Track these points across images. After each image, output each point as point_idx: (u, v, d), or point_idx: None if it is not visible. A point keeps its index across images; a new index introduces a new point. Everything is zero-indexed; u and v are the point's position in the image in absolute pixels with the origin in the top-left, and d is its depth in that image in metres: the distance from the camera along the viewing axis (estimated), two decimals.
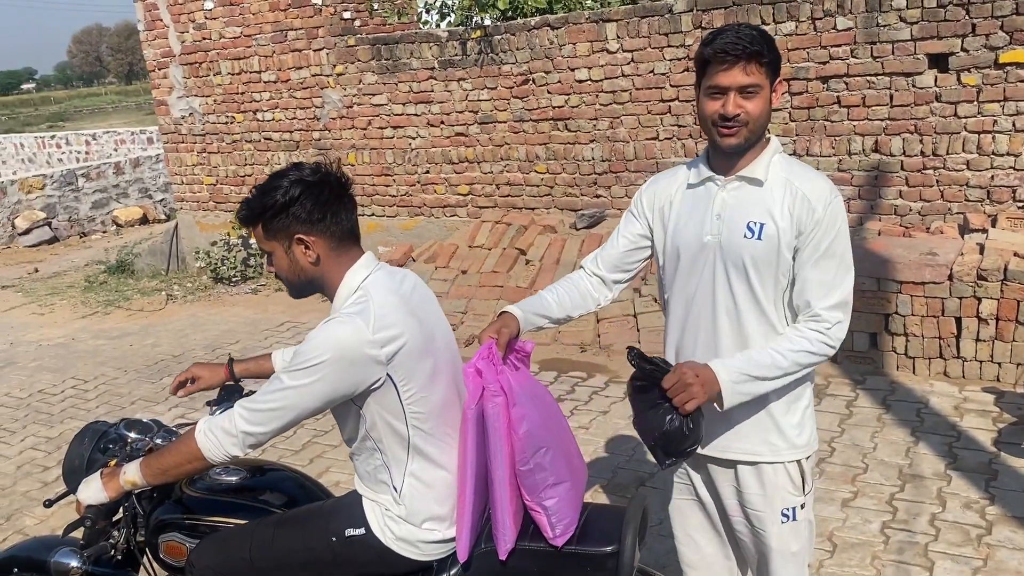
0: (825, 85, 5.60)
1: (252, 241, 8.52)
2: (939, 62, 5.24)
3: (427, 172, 7.37)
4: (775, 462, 2.06)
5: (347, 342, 1.83)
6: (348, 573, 2.05)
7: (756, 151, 1.98)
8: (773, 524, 2.07)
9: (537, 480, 1.98)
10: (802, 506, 2.09)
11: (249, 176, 8.40)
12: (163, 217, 13.50)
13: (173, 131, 8.81)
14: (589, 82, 6.39)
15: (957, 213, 5.39)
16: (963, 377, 4.66)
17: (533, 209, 6.93)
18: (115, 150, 17.77)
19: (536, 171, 6.82)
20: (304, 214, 1.91)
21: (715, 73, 1.91)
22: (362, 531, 2.00)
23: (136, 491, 2.12)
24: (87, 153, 18.19)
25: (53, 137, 19.32)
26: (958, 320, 4.63)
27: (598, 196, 6.61)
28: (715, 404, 1.95)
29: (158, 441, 2.30)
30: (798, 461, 2.07)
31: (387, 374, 1.88)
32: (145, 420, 2.37)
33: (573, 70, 6.43)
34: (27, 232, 12.01)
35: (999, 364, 4.57)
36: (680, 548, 2.32)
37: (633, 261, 2.24)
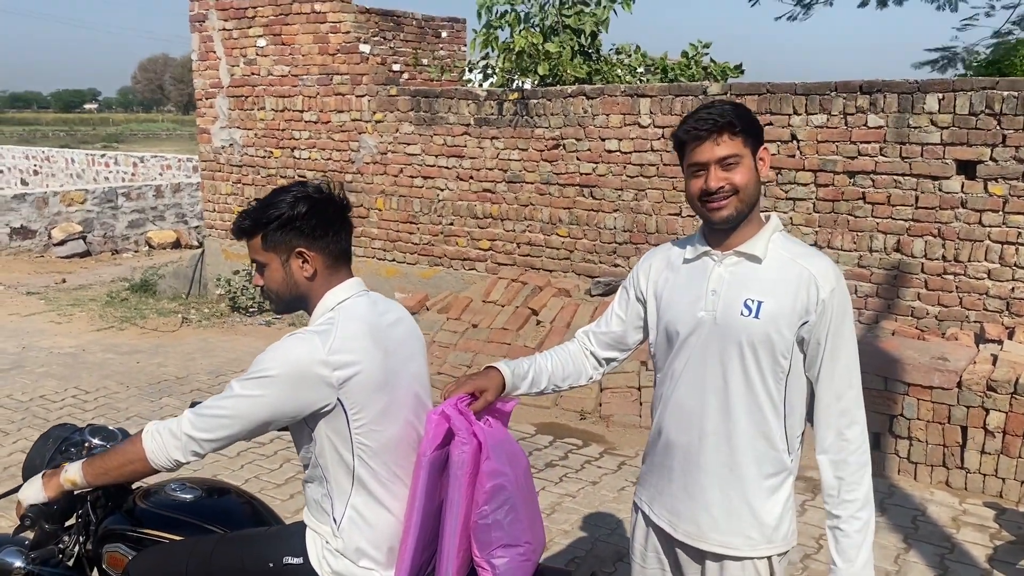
0: (852, 180, 5.60)
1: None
2: (967, 168, 5.23)
3: (451, 224, 7.44)
4: (744, 557, 1.96)
5: (299, 359, 1.84)
6: None
7: (754, 227, 1.94)
8: None
9: (492, 537, 1.93)
10: None
11: None
12: (196, 243, 13.71)
13: (212, 159, 9.01)
14: (618, 153, 6.46)
15: (975, 321, 5.30)
16: (965, 489, 4.52)
17: (551, 271, 6.94)
18: (160, 174, 18.18)
19: (558, 234, 6.85)
20: (308, 229, 1.95)
21: (692, 151, 1.91)
22: (300, 560, 1.97)
23: (77, 491, 2.10)
24: (133, 174, 18.64)
25: (103, 156, 19.85)
26: (964, 430, 4.51)
27: (616, 265, 6.61)
28: None
29: None
30: (768, 558, 1.98)
31: (338, 399, 1.87)
32: (111, 428, 2.37)
33: (604, 140, 6.51)
34: (62, 243, 12.25)
35: (1003, 479, 4.43)
36: None
37: (628, 342, 2.21)
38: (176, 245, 13.61)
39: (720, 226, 1.94)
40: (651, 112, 6.28)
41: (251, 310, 8.38)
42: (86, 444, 2.27)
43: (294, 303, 2.04)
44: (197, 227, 14.21)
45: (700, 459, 1.97)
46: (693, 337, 1.97)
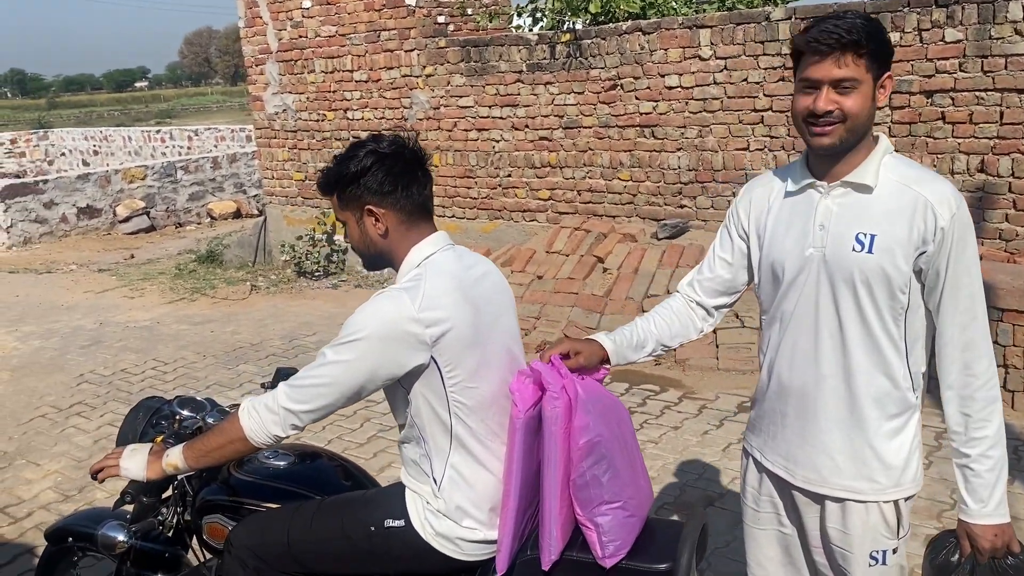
0: (929, 100, 5.31)
1: (336, 237, 8.64)
2: None
3: (509, 176, 7.33)
4: (870, 501, 1.85)
5: (389, 318, 1.78)
6: (384, 566, 1.98)
7: (862, 152, 1.79)
8: (859, 566, 1.88)
9: (591, 495, 1.87)
10: (894, 550, 1.89)
11: None
12: (255, 212, 13.86)
13: (266, 126, 9.02)
14: (679, 89, 6.24)
15: None
16: None
17: (614, 217, 6.80)
18: (215, 146, 18.37)
19: (619, 178, 6.69)
20: (375, 185, 1.88)
21: (807, 65, 1.75)
22: (401, 523, 1.94)
23: (179, 475, 2.10)
24: (189, 148, 18.87)
25: (159, 131, 20.13)
26: None
27: (682, 206, 6.44)
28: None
29: (209, 420, 2.29)
30: (895, 502, 1.86)
31: (432, 357, 1.82)
32: (199, 399, 2.37)
33: (663, 76, 6.29)
34: (127, 220, 12.50)
35: None
36: None
37: (736, 284, 2.08)
38: (237, 215, 13.77)
39: (820, 153, 1.80)
40: (712, 43, 6.03)
41: (317, 274, 8.43)
42: (176, 417, 2.27)
43: (377, 260, 1.99)
44: (256, 196, 14.34)
45: (817, 403, 1.86)
46: (802, 276, 1.85)
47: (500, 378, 1.94)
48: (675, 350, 2.14)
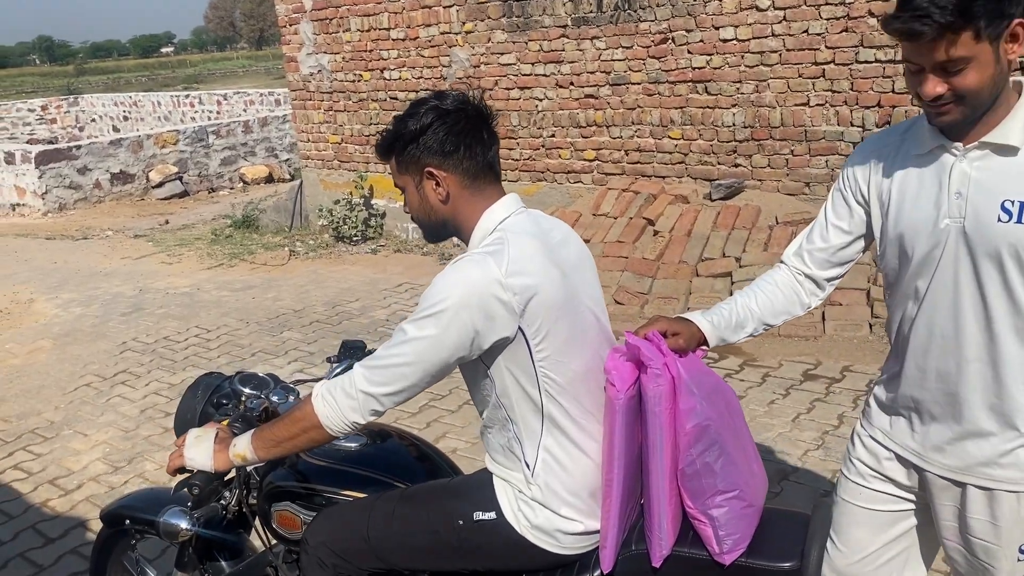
0: None
1: (374, 201, 8.47)
2: None
3: (552, 136, 7.09)
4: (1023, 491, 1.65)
5: (477, 284, 1.60)
6: (475, 561, 1.82)
7: (1001, 109, 1.55)
8: (1007, 560, 1.67)
9: (704, 484, 1.69)
10: None
11: (374, 135, 8.32)
12: (287, 176, 13.73)
13: (301, 88, 8.83)
14: (735, 41, 5.95)
15: None
16: None
17: (664, 177, 6.56)
18: (244, 110, 18.24)
19: (670, 136, 6.44)
20: (436, 144, 1.70)
21: (906, 48, 1.52)
22: (492, 515, 1.77)
23: (248, 466, 1.95)
24: (218, 112, 18.76)
25: (188, 96, 20.03)
26: None
27: (737, 165, 6.18)
28: None
29: (273, 399, 2.12)
30: None
31: (519, 327, 1.63)
32: (261, 375, 2.20)
33: (718, 28, 6.00)
34: (160, 185, 12.42)
35: None
36: (838, 558, 1.88)
37: (851, 254, 1.86)
38: (269, 179, 13.64)
39: (946, 131, 1.59)
40: None
41: (355, 239, 8.28)
42: (242, 398, 2.11)
43: (441, 230, 1.81)
44: (287, 160, 14.21)
45: (960, 389, 1.65)
46: (936, 251, 1.62)
47: (592, 352, 1.76)
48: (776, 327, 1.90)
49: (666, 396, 1.67)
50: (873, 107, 5.51)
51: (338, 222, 8.35)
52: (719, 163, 6.26)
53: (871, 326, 5.02)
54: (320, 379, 2.28)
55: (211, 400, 2.15)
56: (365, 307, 6.31)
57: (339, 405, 1.68)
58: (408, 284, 6.86)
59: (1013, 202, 1.53)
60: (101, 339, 5.95)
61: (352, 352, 2.26)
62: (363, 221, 8.42)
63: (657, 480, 1.69)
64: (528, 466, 1.73)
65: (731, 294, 5.41)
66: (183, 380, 5.06)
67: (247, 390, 2.12)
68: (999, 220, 1.54)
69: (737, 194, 6.11)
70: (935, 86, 1.49)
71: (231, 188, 13.35)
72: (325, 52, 8.47)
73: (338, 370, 2.22)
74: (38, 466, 4.17)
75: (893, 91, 5.40)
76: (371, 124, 8.33)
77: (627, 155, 6.69)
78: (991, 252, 1.56)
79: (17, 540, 3.54)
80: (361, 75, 8.25)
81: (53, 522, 3.66)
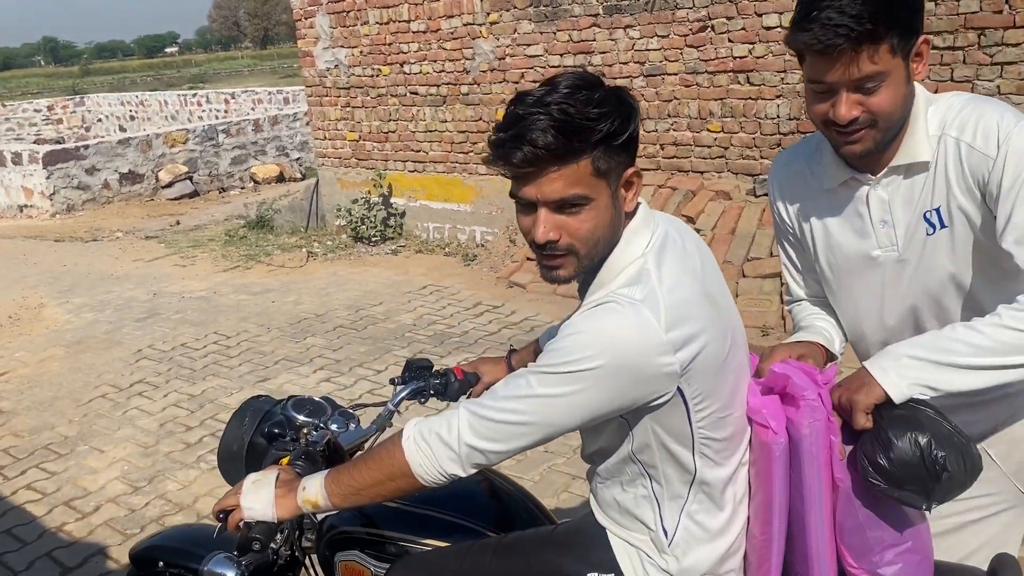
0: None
1: (393, 200, 8.18)
2: None
3: None
4: None
5: (632, 344, 1.26)
6: None
7: (905, 128, 1.50)
8: None
9: (870, 539, 1.39)
10: None
11: (392, 132, 8.04)
12: (299, 176, 13.45)
13: (317, 83, 8.54)
14: (779, 29, 5.64)
15: None
16: None
17: (702, 172, 6.25)
18: (252, 109, 17.99)
19: (709, 129, 6.13)
20: (635, 139, 1.36)
21: (815, 65, 1.43)
22: None
23: (320, 514, 1.65)
24: (226, 111, 18.52)
25: (195, 95, 19.78)
26: None
27: None
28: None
29: (333, 427, 1.81)
30: None
31: (678, 388, 1.30)
32: (316, 399, 1.89)
33: (760, 15, 5.69)
34: (170, 185, 12.15)
35: None
36: None
37: None
38: (280, 179, 13.36)
39: (854, 161, 1.53)
40: None
41: (374, 239, 7.99)
42: (294, 423, 1.80)
43: (598, 261, 1.38)
44: (299, 159, 13.93)
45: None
46: (876, 279, 1.62)
47: (745, 392, 1.46)
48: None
49: (823, 434, 1.39)
50: None
51: (357, 222, 8.06)
52: (762, 157, 5.95)
53: None
54: (382, 404, 1.99)
55: (260, 429, 1.84)
56: (390, 311, 6.03)
57: (435, 455, 1.37)
58: (433, 286, 6.57)
59: (931, 211, 1.51)
60: (115, 347, 5.67)
61: (419, 373, 1.97)
62: (382, 221, 8.14)
63: (816, 537, 1.40)
64: (666, 533, 1.42)
65: (781, 298, 5.14)
66: (203, 391, 4.78)
67: (302, 417, 1.82)
68: (927, 234, 1.52)
69: None
70: (851, 108, 1.41)
71: (242, 188, 13.08)
72: (342, 46, 8.18)
73: (403, 394, 1.93)
74: (52, 486, 3.89)
75: (951, 79, 5.09)
76: (390, 120, 8.04)
77: (663, 149, 6.39)
78: (929, 266, 1.55)
79: (32, 570, 3.26)
80: (380, 70, 7.96)
81: (70, 549, 3.38)
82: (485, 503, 1.80)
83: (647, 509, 1.43)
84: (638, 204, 1.41)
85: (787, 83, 5.70)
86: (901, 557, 1.39)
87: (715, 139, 6.12)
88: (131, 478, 3.90)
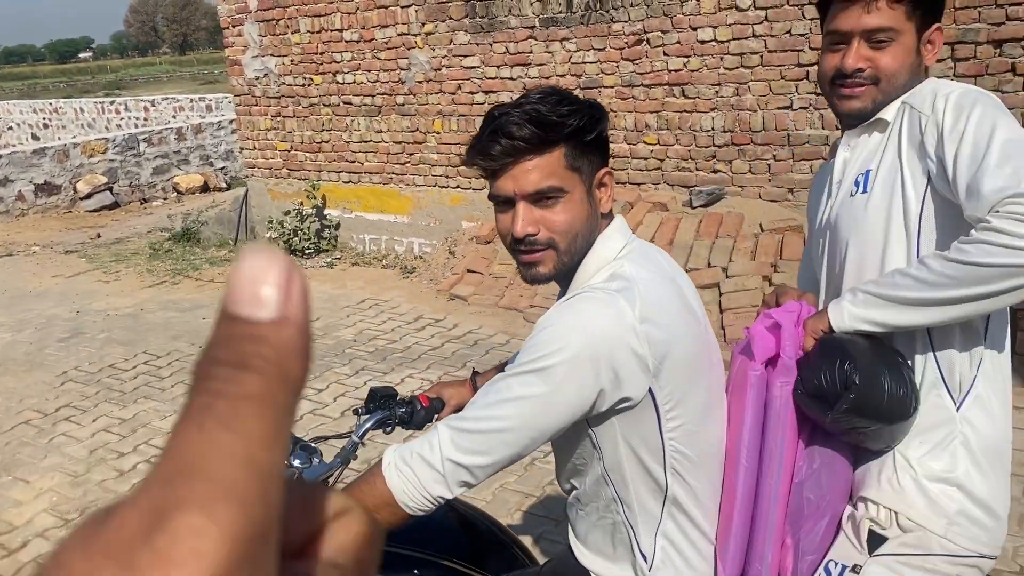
0: (999, 50, 4.88)
1: (327, 211, 8.03)
2: None
3: None
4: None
5: (606, 330, 1.26)
6: None
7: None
8: None
9: (803, 501, 1.45)
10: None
11: (326, 142, 7.90)
12: (224, 185, 13.11)
13: (246, 93, 8.33)
14: (713, 43, 5.74)
15: None
16: None
17: (639, 184, 6.31)
18: (174, 117, 17.49)
19: (645, 141, 6.19)
20: (606, 140, 1.45)
21: (834, 15, 1.52)
22: None
23: None
24: (146, 119, 17.95)
25: (113, 103, 19.12)
26: None
27: (716, 171, 5.97)
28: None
29: (295, 463, 1.72)
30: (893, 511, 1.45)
31: (649, 388, 1.29)
32: (306, 440, 1.79)
33: (695, 29, 5.78)
34: (89, 196, 11.69)
35: None
36: None
37: None
38: (204, 189, 13.00)
39: (849, 118, 1.57)
40: None
41: (308, 252, 7.83)
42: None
43: (576, 260, 1.40)
44: (223, 168, 13.59)
45: None
46: (823, 240, 1.66)
47: (723, 414, 1.46)
48: None
49: (790, 401, 1.45)
50: None
51: (289, 234, 7.89)
52: (698, 169, 6.04)
53: None
54: (345, 435, 1.92)
55: None
56: (328, 326, 5.90)
57: (419, 479, 1.31)
58: (372, 300, 6.46)
59: (865, 173, 1.53)
60: (38, 369, 5.40)
61: (383, 402, 1.89)
62: (316, 233, 7.98)
63: (769, 507, 1.41)
64: (644, 558, 1.39)
65: (720, 307, 5.21)
66: (135, 414, 4.59)
67: (296, 463, 1.71)
68: (850, 195, 1.55)
69: (718, 201, 5.90)
70: (858, 58, 1.48)
71: (164, 198, 12.68)
72: (272, 55, 8.00)
73: (368, 424, 1.85)
74: None
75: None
76: (323, 130, 7.90)
77: None
78: (849, 229, 1.55)
79: None
80: (312, 79, 7.81)
81: None
82: (451, 536, 1.74)
83: (625, 534, 1.41)
84: (614, 214, 1.46)
85: (721, 96, 5.80)
86: (818, 525, 1.43)
87: (651, 151, 6.18)
88: (61, 510, 3.71)
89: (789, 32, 5.46)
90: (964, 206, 1.35)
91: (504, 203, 1.37)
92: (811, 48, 5.41)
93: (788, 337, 1.46)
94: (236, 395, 0.27)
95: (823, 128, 5.49)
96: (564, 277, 1.42)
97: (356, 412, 1.91)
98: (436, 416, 1.91)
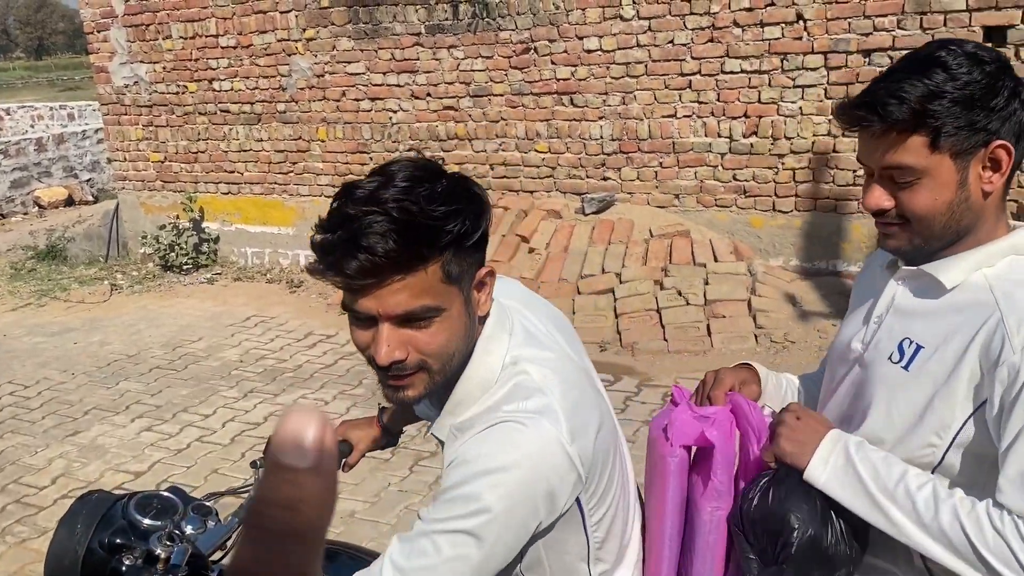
0: (867, 59, 5.13)
1: (205, 224, 7.68)
2: (995, 35, 4.83)
3: (409, 150, 6.66)
4: None
5: (540, 462, 1.10)
6: None
7: (970, 241, 1.25)
8: None
9: None
10: None
11: (202, 152, 7.55)
12: (91, 199, 12.37)
13: (115, 101, 7.86)
14: (599, 52, 5.80)
15: (1010, 200, 4.99)
16: None
17: (532, 192, 6.31)
18: (32, 126, 16.42)
19: (536, 150, 6.20)
20: (487, 240, 1.18)
21: (858, 143, 1.27)
22: None
23: None
24: (0, 128, 16.78)
25: None
26: None
27: (606, 179, 6.03)
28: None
29: (188, 529, 1.48)
30: None
31: (576, 498, 1.18)
32: (164, 494, 1.54)
33: (581, 38, 5.82)
34: None
35: None
36: None
37: None
38: (69, 203, 12.22)
39: (894, 254, 1.34)
40: (634, 2, 5.62)
41: (186, 267, 7.45)
42: (139, 528, 1.44)
43: (452, 376, 1.20)
44: (89, 180, 12.83)
45: None
46: (842, 371, 1.40)
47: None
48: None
49: (721, 523, 1.36)
50: (740, 118, 5.51)
51: (165, 249, 7.48)
52: (588, 176, 6.08)
53: (756, 337, 4.98)
54: (242, 489, 1.76)
55: (99, 537, 1.43)
56: (212, 347, 5.62)
57: None
58: (258, 317, 6.20)
59: (911, 342, 1.27)
60: None
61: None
62: (194, 247, 7.61)
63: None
64: None
65: (615, 312, 5.26)
66: (2, 451, 4.22)
67: (148, 520, 1.46)
68: (890, 359, 1.29)
69: (609, 207, 5.96)
70: (879, 198, 1.24)
71: (25, 214, 11.84)
72: (142, 61, 7.59)
73: None
74: None
75: (759, 101, 5.43)
76: (199, 140, 7.54)
77: (492, 169, 6.39)
78: (874, 391, 1.31)
79: None
80: (186, 86, 7.45)
81: None
82: None
83: None
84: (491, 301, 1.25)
85: (609, 105, 5.86)
86: None
87: (543, 159, 6.19)
88: None
89: (672, 42, 5.57)
90: (1001, 483, 1.15)
91: (364, 320, 1.12)
92: (693, 58, 5.54)
93: (722, 457, 1.33)
94: (283, 532, 0.40)
95: (706, 135, 5.63)
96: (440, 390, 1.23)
97: (254, 464, 1.74)
98: (344, 461, 1.78)
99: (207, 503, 1.57)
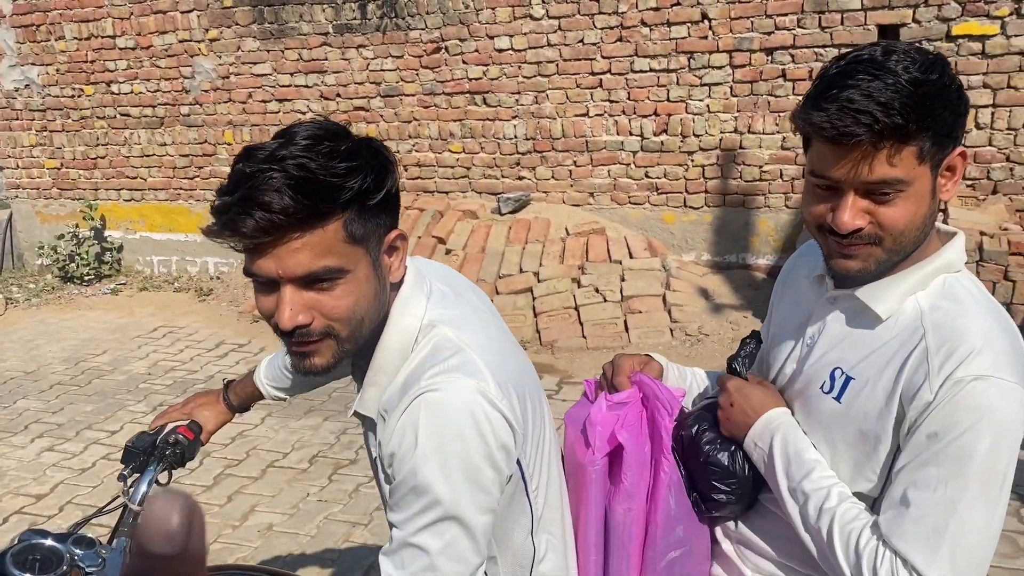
0: (770, 57, 5.27)
1: (108, 233, 7.37)
2: (889, 34, 5.02)
3: None
4: None
5: (482, 420, 1.07)
6: None
7: (907, 263, 1.20)
8: None
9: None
10: None
11: (102, 158, 7.24)
12: None
13: (4, 106, 7.47)
14: (511, 51, 5.80)
15: None
16: None
17: (447, 193, 6.27)
18: None
19: (450, 150, 6.16)
20: (397, 196, 1.14)
21: (823, 156, 1.13)
22: None
23: None
24: None
25: None
26: None
27: (521, 178, 6.03)
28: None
29: (89, 568, 1.34)
30: None
31: (517, 460, 1.15)
32: (44, 543, 1.32)
33: (492, 38, 5.81)
34: None
35: None
36: None
37: None
38: None
39: (842, 275, 1.23)
40: (543, 1, 5.63)
41: (88, 278, 7.13)
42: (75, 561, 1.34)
43: (369, 339, 1.16)
44: None
45: None
46: (782, 392, 1.36)
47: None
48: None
49: (638, 519, 1.37)
50: (650, 116, 5.59)
51: (64, 260, 7.15)
52: (503, 176, 6.08)
53: (672, 331, 5.06)
54: (111, 507, 1.64)
55: None
56: (117, 360, 5.38)
57: None
58: (165, 327, 5.97)
59: (842, 372, 1.23)
60: None
61: (149, 457, 1.61)
62: (96, 257, 7.29)
63: None
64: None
65: (534, 311, 5.26)
66: None
67: (86, 567, 1.32)
68: (822, 388, 1.25)
69: (525, 207, 5.97)
70: (855, 216, 1.12)
71: None
72: (33, 64, 7.22)
73: (144, 488, 1.56)
74: None
75: (668, 100, 5.52)
76: (98, 145, 7.23)
77: (406, 170, 6.32)
78: (806, 421, 1.28)
79: None
80: (82, 89, 7.13)
81: None
82: None
83: None
84: (405, 268, 1.21)
85: (522, 104, 5.87)
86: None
87: (457, 159, 6.16)
88: None
89: (582, 41, 5.61)
90: (883, 507, 1.16)
91: (265, 283, 1.07)
92: (603, 57, 5.59)
93: (633, 459, 1.34)
94: None
95: (617, 134, 5.69)
96: (357, 357, 1.19)
97: (121, 478, 1.64)
98: (197, 438, 1.69)
99: (84, 535, 1.43)
